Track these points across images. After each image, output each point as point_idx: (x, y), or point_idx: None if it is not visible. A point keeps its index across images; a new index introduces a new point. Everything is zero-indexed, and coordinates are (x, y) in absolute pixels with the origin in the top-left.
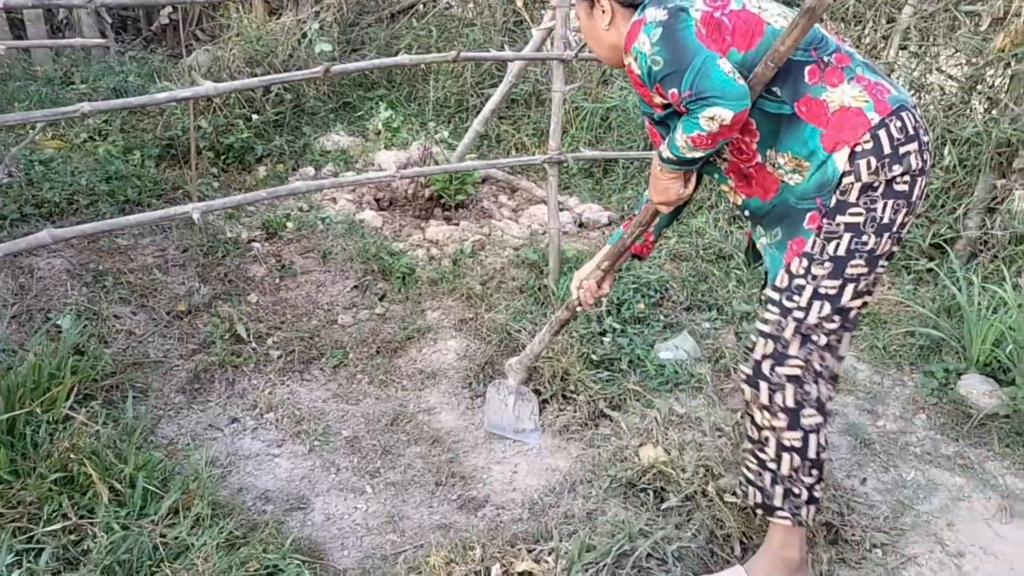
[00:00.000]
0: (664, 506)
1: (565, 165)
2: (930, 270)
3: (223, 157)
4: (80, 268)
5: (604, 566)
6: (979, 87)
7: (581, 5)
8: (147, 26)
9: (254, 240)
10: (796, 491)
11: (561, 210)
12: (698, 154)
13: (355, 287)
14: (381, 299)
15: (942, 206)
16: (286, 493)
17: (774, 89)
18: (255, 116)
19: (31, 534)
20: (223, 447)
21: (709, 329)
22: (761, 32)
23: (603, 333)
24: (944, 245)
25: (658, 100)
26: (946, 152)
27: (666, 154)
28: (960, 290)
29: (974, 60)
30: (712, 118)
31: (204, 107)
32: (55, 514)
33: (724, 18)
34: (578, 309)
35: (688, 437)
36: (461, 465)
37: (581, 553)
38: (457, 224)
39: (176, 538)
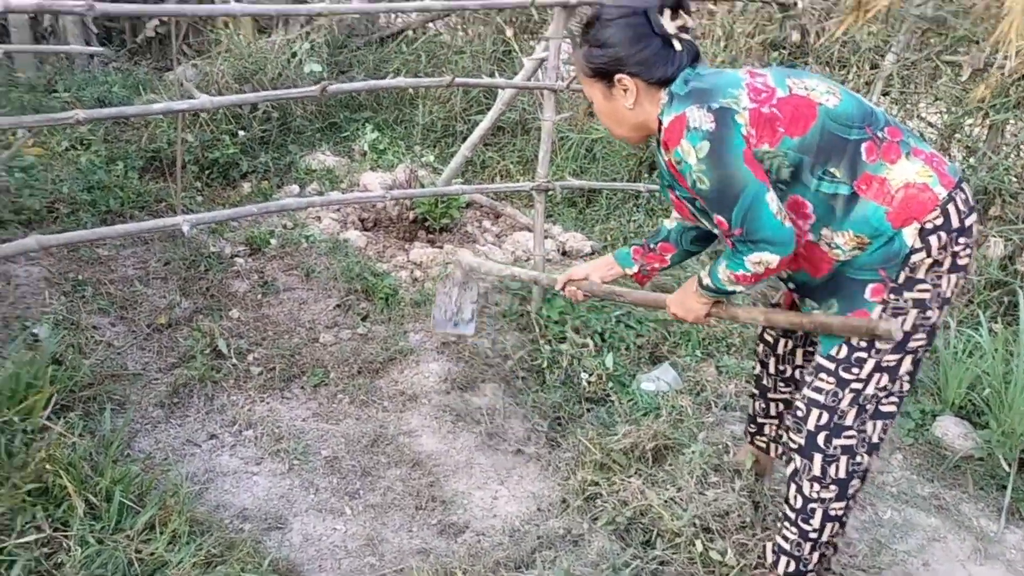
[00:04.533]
0: (652, 554)
1: (551, 193)
2: None
3: (207, 172)
4: (59, 277)
5: None
6: (957, 135)
7: (595, 86)
8: (132, 38)
9: (237, 255)
10: (828, 552)
11: (545, 238)
12: (739, 289)
13: (338, 306)
14: (363, 319)
15: None
16: (264, 512)
17: (831, 170)
18: (241, 132)
19: (3, 545)
20: (201, 463)
21: (690, 361)
22: (814, 115)
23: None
24: None
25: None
26: None
27: (706, 281)
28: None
29: (953, 109)
30: (758, 262)
31: (191, 121)
32: (28, 526)
33: (774, 110)
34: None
35: (689, 484)
36: (442, 489)
37: None
38: (441, 247)
39: (152, 554)
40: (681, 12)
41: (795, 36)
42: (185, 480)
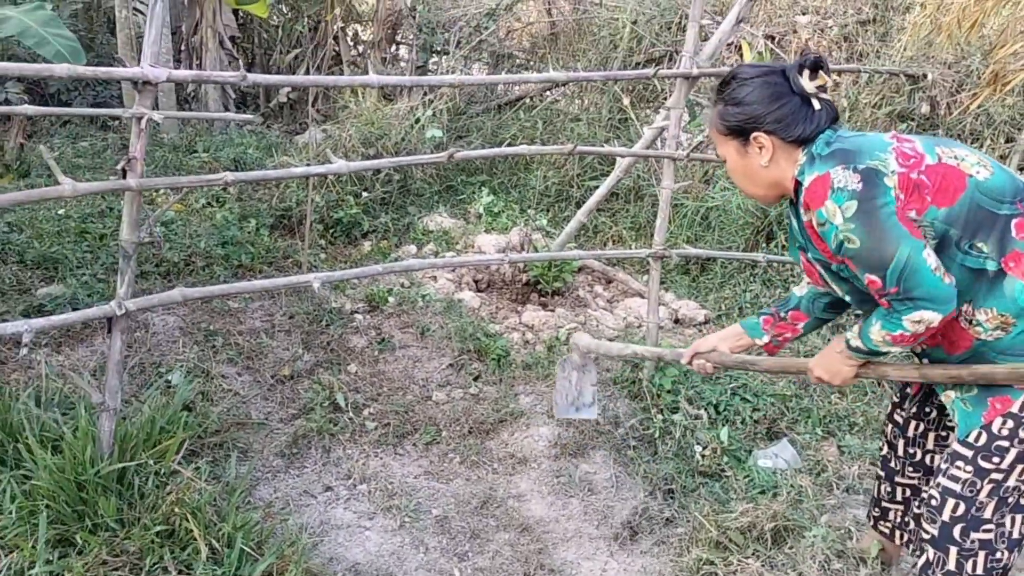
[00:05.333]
0: None
1: (665, 260)
2: None
3: (331, 230)
4: (192, 327)
5: None
6: None
7: (730, 144)
8: (266, 103)
9: (357, 312)
10: None
11: (658, 305)
12: (895, 350)
13: (451, 365)
14: (475, 379)
15: None
16: (375, 567)
17: (978, 244)
18: (364, 193)
19: None
20: (316, 514)
21: (809, 439)
22: (964, 186)
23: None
24: None
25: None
26: None
27: (855, 343)
28: None
29: None
30: (919, 321)
31: (318, 183)
32: (155, 567)
33: (922, 176)
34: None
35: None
36: (550, 557)
37: None
38: (553, 311)
39: None
40: (821, 72)
41: (924, 108)
42: (302, 531)
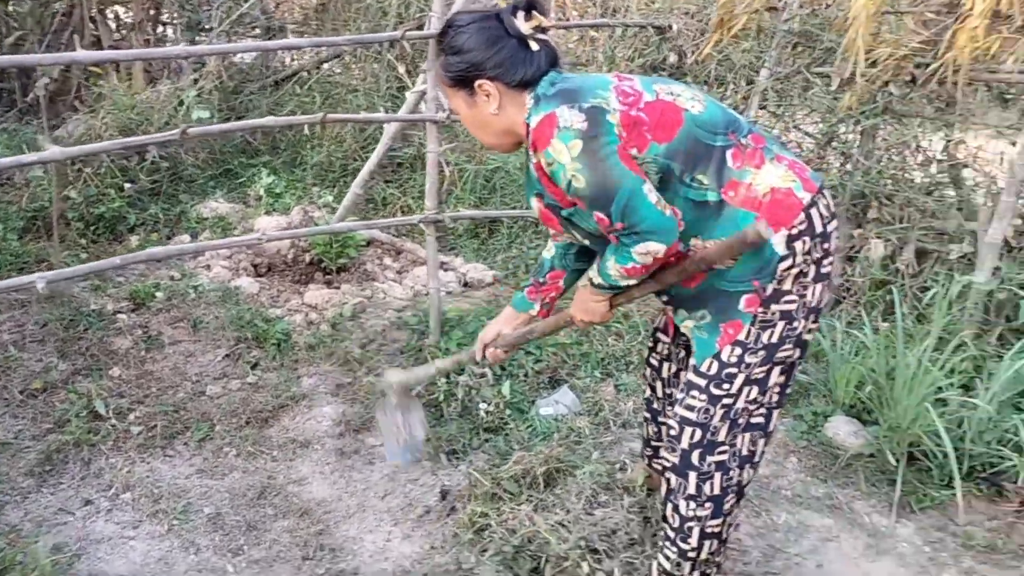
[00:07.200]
0: None
1: (451, 226)
2: None
3: (92, 228)
4: None
5: None
6: (833, 143)
7: (458, 95)
8: (22, 97)
9: (120, 311)
10: (709, 571)
11: (446, 270)
12: (631, 282)
13: (227, 356)
14: (254, 367)
15: None
16: None
17: (699, 176)
18: (128, 185)
19: None
20: (73, 532)
21: (589, 383)
22: (680, 121)
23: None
24: None
25: (569, 198)
26: None
27: (597, 280)
28: (824, 336)
29: (828, 117)
30: (646, 253)
31: (74, 177)
32: None
33: (641, 113)
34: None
35: (577, 505)
36: (332, 536)
37: None
38: (338, 288)
39: None
40: (535, 13)
41: (672, 57)
42: (53, 551)
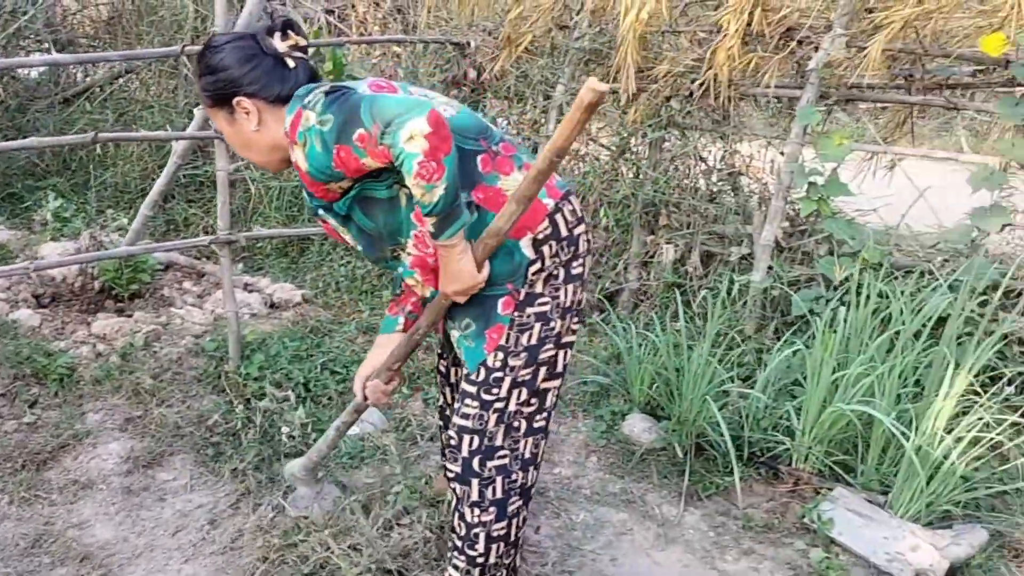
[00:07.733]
0: None
1: (246, 245)
2: (604, 321)
3: None
4: None
5: None
6: (626, 155)
7: (220, 114)
8: None
9: None
10: (499, 575)
11: (250, 291)
12: (439, 190)
13: (2, 396)
14: (32, 406)
15: (606, 262)
16: None
17: None
18: None
19: None
20: None
21: (397, 399)
22: None
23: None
24: (611, 298)
25: (334, 187)
26: (602, 214)
27: (432, 231)
28: (620, 338)
29: (619, 131)
30: (411, 137)
31: None
32: None
33: None
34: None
35: (371, 529)
36: None
37: None
38: (131, 315)
39: None
40: (291, 33)
41: (472, 73)
42: None
